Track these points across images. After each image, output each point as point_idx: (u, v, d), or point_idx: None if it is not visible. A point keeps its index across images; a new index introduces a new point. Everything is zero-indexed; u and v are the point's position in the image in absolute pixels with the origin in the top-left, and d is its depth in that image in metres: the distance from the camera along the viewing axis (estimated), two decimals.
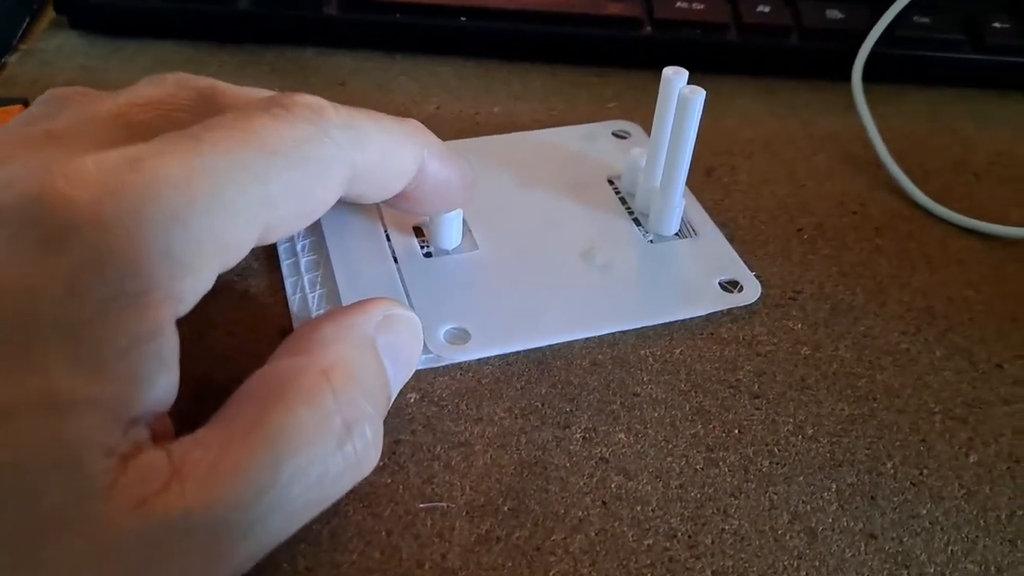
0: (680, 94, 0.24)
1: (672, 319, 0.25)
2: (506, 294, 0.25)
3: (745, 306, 0.25)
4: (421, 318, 0.21)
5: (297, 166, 0.19)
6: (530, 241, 0.27)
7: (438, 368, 0.23)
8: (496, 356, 0.24)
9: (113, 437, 0.16)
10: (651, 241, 0.27)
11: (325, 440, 0.17)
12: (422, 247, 0.26)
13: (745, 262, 0.27)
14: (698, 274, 0.26)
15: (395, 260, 0.26)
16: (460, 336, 0.24)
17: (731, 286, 0.26)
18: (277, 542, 0.17)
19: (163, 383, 0.17)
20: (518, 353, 0.24)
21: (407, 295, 0.25)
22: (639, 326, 0.25)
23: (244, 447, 0.16)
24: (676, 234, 0.27)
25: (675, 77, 0.25)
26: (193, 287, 0.17)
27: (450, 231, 0.26)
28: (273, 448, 0.16)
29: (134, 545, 0.15)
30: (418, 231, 0.27)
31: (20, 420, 0.15)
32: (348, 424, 0.18)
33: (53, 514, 0.15)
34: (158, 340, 0.16)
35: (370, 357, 0.19)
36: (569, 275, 0.26)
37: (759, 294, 0.26)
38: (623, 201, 0.29)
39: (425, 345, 0.23)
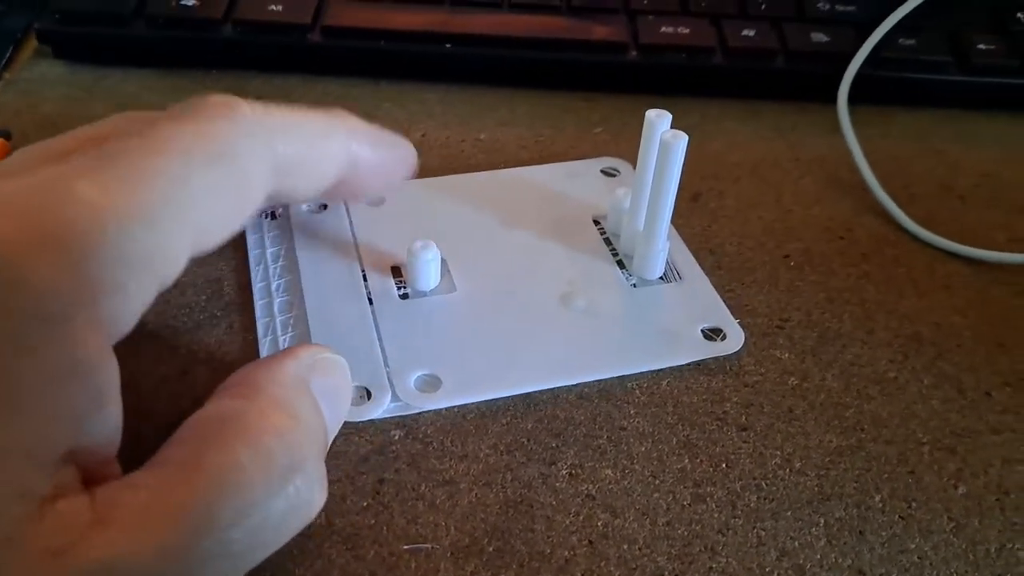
0: (662, 138, 0.24)
1: (652, 368, 0.24)
2: (482, 339, 0.24)
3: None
4: (393, 362, 0.22)
5: (215, 162, 0.18)
6: (510, 283, 0.26)
7: None
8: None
9: (30, 482, 0.15)
10: (634, 285, 0.26)
11: (267, 481, 0.16)
12: (399, 287, 0.26)
13: (729, 304, 0.26)
14: (681, 321, 0.25)
15: (370, 301, 0.25)
16: (431, 383, 0.23)
17: (714, 334, 0.25)
18: None
19: (97, 419, 0.16)
20: None
21: (379, 338, 0.24)
22: (618, 375, 0.24)
23: (180, 489, 0.15)
24: (661, 278, 0.27)
25: (658, 120, 0.24)
26: (125, 306, 0.16)
27: (427, 272, 0.25)
28: (211, 490, 0.16)
29: None
30: (396, 271, 0.26)
31: None
32: (291, 465, 0.17)
33: None
34: (87, 371, 0.15)
35: (307, 399, 0.19)
36: (548, 320, 0.25)
37: (742, 342, 0.25)
38: (608, 242, 0.28)
39: (394, 392, 0.23)
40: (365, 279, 0.26)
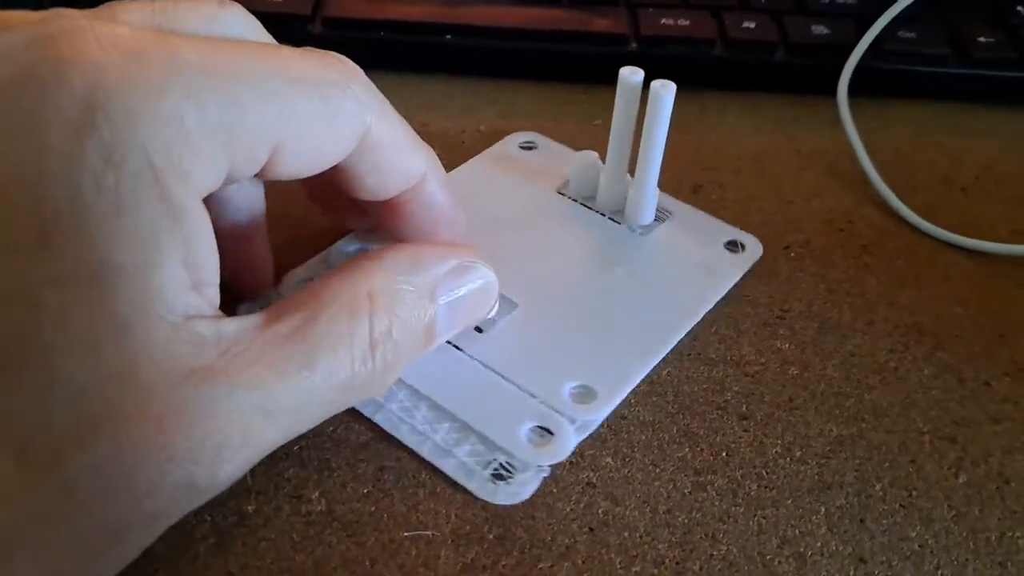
0: (652, 88, 0.25)
1: (718, 297, 0.26)
2: (585, 336, 0.24)
3: (734, 324, 0.25)
4: (538, 392, 0.22)
5: (315, 99, 0.19)
6: (547, 278, 0.26)
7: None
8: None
9: (165, 306, 0.16)
10: (641, 234, 0.28)
11: (356, 349, 0.18)
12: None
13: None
14: (703, 246, 0.28)
15: (457, 347, 0.24)
16: (586, 392, 0.23)
17: (734, 247, 0.28)
18: (296, 433, 0.18)
19: (209, 253, 0.17)
20: None
21: (504, 377, 0.23)
22: (703, 314, 0.25)
23: (289, 340, 0.17)
24: (655, 220, 0.28)
25: (632, 77, 0.25)
26: (202, 172, 0.17)
27: None
28: (314, 346, 0.18)
29: (180, 411, 0.16)
30: None
31: (74, 290, 0.15)
32: (375, 342, 0.19)
33: (112, 375, 0.15)
34: (194, 212, 0.17)
35: (418, 298, 0.20)
36: (613, 298, 0.26)
37: (760, 247, 0.28)
38: (586, 207, 0.29)
39: (567, 416, 0.22)
40: None
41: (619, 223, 0.28)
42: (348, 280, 0.19)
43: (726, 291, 0.26)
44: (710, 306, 0.26)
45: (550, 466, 0.21)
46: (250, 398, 0.17)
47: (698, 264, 0.27)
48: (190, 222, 0.16)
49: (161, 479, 0.16)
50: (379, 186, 0.21)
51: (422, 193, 0.22)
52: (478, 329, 0.24)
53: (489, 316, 0.23)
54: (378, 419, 0.22)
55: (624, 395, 0.23)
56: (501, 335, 0.24)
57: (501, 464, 0.21)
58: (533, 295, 0.25)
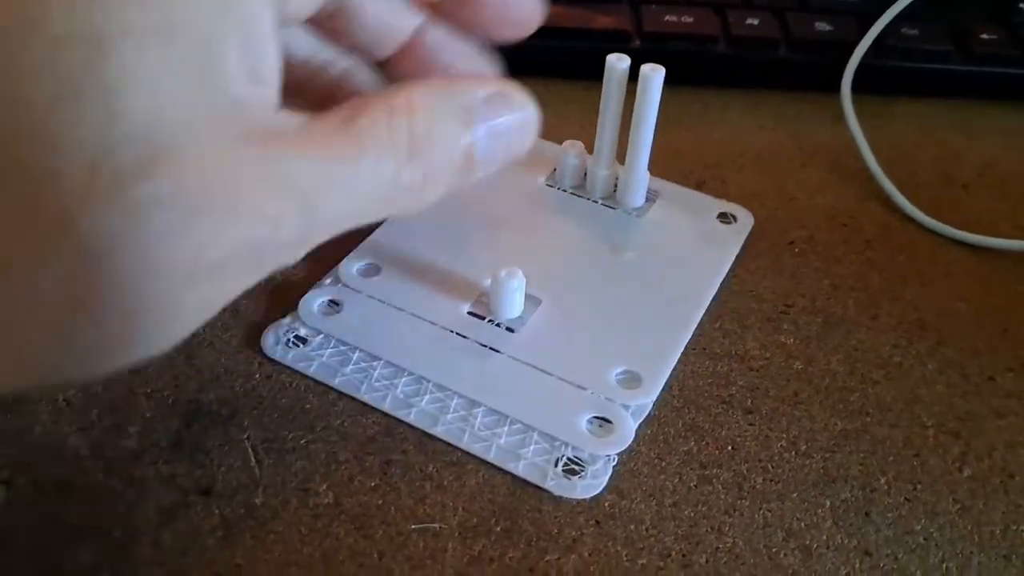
0: (642, 71, 0.25)
1: (727, 267, 0.27)
2: (615, 322, 0.25)
3: (738, 319, 0.26)
4: (590, 385, 0.23)
5: None
6: (561, 270, 0.26)
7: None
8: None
9: (227, 77, 0.16)
10: (636, 216, 0.28)
11: (397, 148, 0.18)
12: (493, 323, 0.25)
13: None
14: (700, 223, 0.28)
15: (495, 350, 0.24)
16: (632, 378, 0.23)
17: (726, 219, 0.29)
18: (336, 230, 0.18)
19: (268, 49, 0.17)
20: None
21: (548, 373, 0.23)
22: (719, 285, 0.26)
23: (337, 131, 0.18)
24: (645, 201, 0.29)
25: (618, 63, 0.26)
26: None
27: (516, 299, 0.24)
28: (359, 139, 0.18)
29: (240, 169, 0.16)
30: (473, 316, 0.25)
31: (142, 39, 0.15)
32: (415, 144, 0.19)
33: (174, 121, 0.15)
34: (257, 5, 0.17)
35: (455, 119, 0.20)
36: (630, 279, 0.26)
37: (751, 217, 0.29)
38: (577, 195, 0.29)
39: (625, 406, 0.23)
40: (463, 337, 0.24)
41: (612, 208, 0.29)
42: (388, 93, 0.19)
43: (732, 260, 0.27)
44: (723, 276, 0.27)
45: (617, 454, 0.22)
46: (306, 174, 0.17)
47: (699, 238, 0.28)
48: (250, 9, 0.17)
49: (222, 231, 0.16)
50: (378, 18, 0.21)
51: (426, 38, 0.22)
52: (510, 329, 0.24)
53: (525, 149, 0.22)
54: (438, 431, 0.22)
55: (667, 374, 0.24)
56: (534, 332, 0.24)
57: (569, 459, 0.22)
58: (554, 289, 0.26)
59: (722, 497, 0.21)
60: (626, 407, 0.23)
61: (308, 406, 0.23)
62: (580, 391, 0.23)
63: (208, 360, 0.24)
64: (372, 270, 0.26)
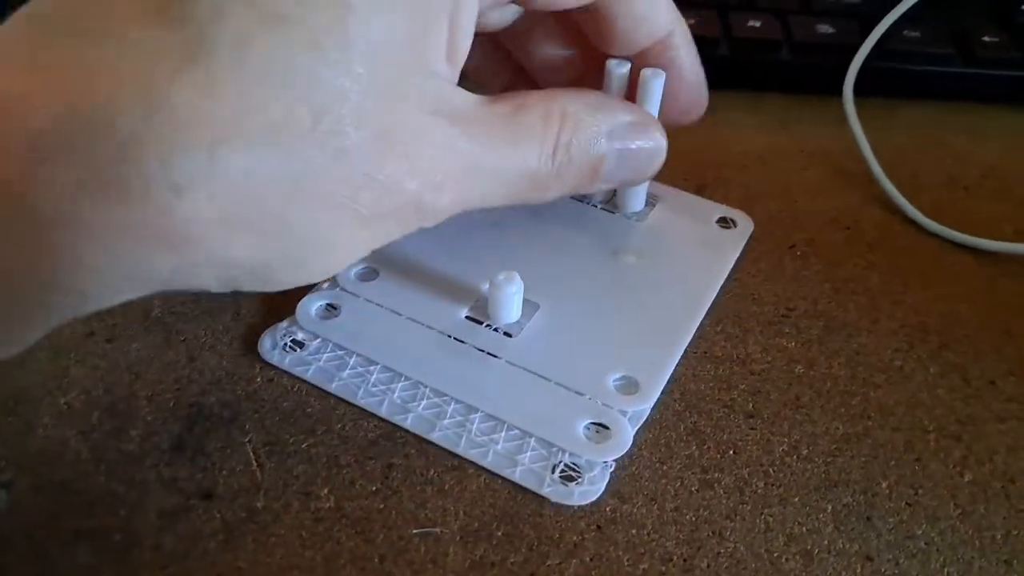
0: (642, 74, 0.25)
1: (726, 272, 0.27)
2: (613, 327, 0.25)
3: (739, 323, 0.26)
4: (577, 388, 0.23)
5: None
6: (561, 275, 0.26)
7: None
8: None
9: (434, 53, 0.19)
10: (636, 220, 0.29)
11: (544, 147, 0.21)
12: (491, 327, 0.25)
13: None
14: (701, 228, 0.28)
15: (492, 355, 0.24)
16: (629, 383, 0.23)
17: (726, 223, 0.29)
18: (481, 204, 0.21)
19: (468, 26, 0.20)
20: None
21: (545, 378, 0.23)
22: (718, 289, 0.26)
23: (503, 119, 0.21)
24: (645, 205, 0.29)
25: (618, 67, 0.25)
26: None
27: (513, 304, 0.24)
28: (518, 132, 0.21)
29: (426, 136, 0.18)
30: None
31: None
32: (558, 148, 0.21)
33: (379, 83, 0.18)
34: None
35: (596, 133, 0.22)
36: (629, 284, 0.26)
37: (751, 222, 0.29)
38: (576, 199, 0.29)
39: (623, 412, 0.23)
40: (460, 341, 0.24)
41: (612, 212, 0.29)
42: (548, 97, 0.22)
43: (731, 265, 0.27)
44: (722, 281, 0.27)
45: (614, 460, 0.22)
46: (472, 150, 0.20)
47: (698, 243, 0.28)
48: None
49: (394, 188, 0.18)
50: (629, 32, 0.24)
51: (668, 50, 0.25)
52: (507, 334, 0.24)
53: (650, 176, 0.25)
54: (435, 437, 0.22)
55: (665, 380, 0.24)
56: (532, 337, 0.24)
57: (567, 465, 0.22)
58: (552, 294, 0.26)
59: (723, 501, 0.21)
60: (624, 413, 0.23)
61: (309, 410, 0.23)
62: (578, 397, 0.23)
63: (210, 363, 0.24)
64: (370, 274, 0.26)
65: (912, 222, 0.30)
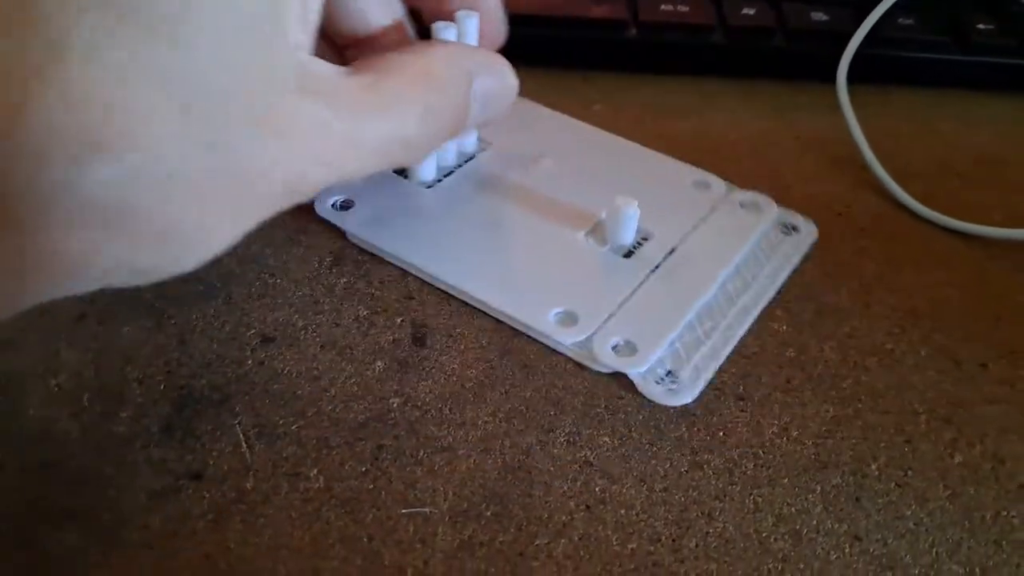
0: (458, 17, 0.25)
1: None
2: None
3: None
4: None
5: None
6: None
7: (421, 372, 0.23)
8: (483, 361, 0.24)
9: (293, 23, 0.18)
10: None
11: (415, 111, 0.21)
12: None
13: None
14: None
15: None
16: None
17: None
18: (355, 174, 0.20)
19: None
20: (502, 357, 0.24)
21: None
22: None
23: (369, 89, 0.20)
24: None
25: (466, 17, 0.26)
26: None
27: (630, 227, 0.26)
28: (387, 99, 0.20)
29: (290, 116, 0.18)
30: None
31: None
32: (427, 110, 0.21)
33: (238, 65, 0.17)
34: None
35: (460, 86, 0.23)
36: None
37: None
38: None
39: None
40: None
41: None
42: (408, 58, 0.22)
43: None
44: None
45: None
46: (342, 126, 0.19)
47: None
48: None
49: (268, 172, 0.18)
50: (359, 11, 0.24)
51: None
52: (628, 254, 0.26)
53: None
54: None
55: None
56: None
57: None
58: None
59: (713, 482, 0.21)
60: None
61: (299, 392, 0.23)
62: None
63: (200, 346, 0.24)
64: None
65: (904, 208, 0.30)
